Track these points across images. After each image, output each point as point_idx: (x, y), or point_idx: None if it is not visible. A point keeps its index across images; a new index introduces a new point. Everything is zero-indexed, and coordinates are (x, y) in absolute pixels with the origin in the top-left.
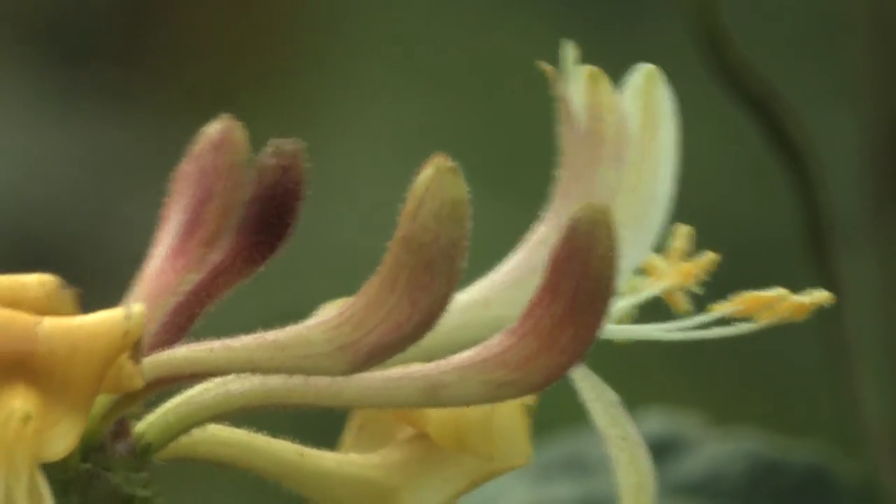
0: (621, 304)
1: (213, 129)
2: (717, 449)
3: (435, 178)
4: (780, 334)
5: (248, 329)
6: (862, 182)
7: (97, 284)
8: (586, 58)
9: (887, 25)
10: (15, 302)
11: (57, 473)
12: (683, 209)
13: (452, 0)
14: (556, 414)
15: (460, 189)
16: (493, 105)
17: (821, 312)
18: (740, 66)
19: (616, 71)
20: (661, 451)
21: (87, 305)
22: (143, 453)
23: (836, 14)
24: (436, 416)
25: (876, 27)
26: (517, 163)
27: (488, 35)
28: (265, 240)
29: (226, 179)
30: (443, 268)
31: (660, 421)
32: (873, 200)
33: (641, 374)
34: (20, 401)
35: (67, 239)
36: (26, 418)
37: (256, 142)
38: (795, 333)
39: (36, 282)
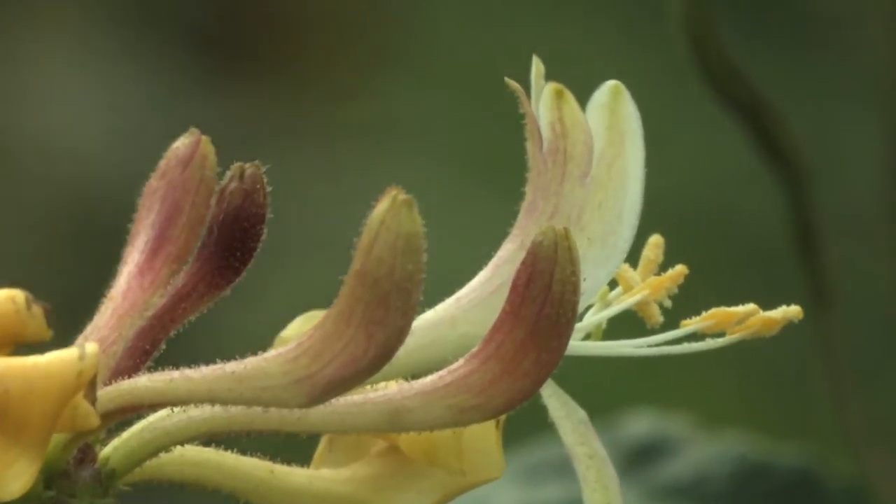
0: (593, 319)
1: (182, 143)
2: (704, 451)
3: (390, 211)
4: (770, 337)
5: (269, 328)
6: (880, 180)
7: None
8: (585, 64)
9: None
10: None
11: (20, 502)
12: (676, 212)
13: (477, 6)
14: (545, 416)
15: (415, 222)
16: (506, 107)
17: (810, 314)
18: (729, 73)
19: (605, 76)
20: (649, 452)
21: None
22: (107, 479)
23: (858, 11)
24: None
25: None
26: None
27: (500, 34)
28: (228, 265)
29: (194, 195)
30: (398, 301)
31: (648, 423)
32: (891, 199)
33: (629, 377)
34: None
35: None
36: None
37: (260, 147)
38: (784, 336)
39: (4, 297)
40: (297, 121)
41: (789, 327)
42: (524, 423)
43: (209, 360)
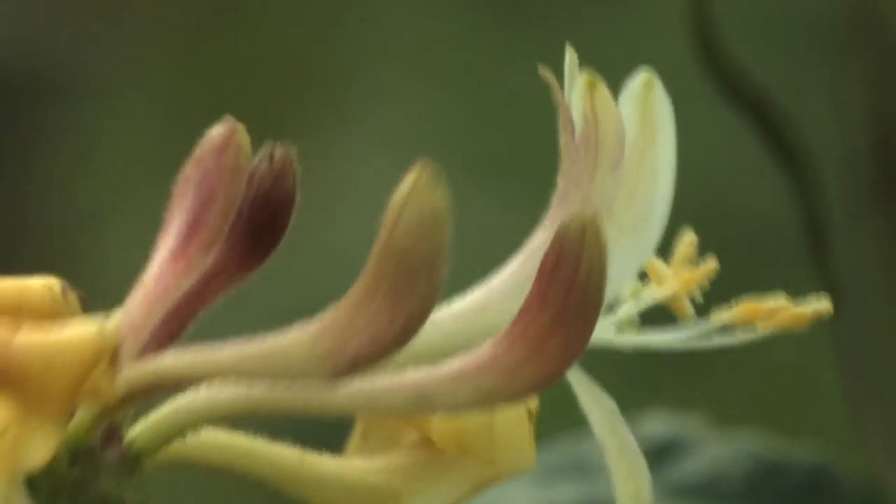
0: (624, 311)
1: (217, 132)
2: (719, 450)
3: (416, 185)
4: (782, 335)
5: (253, 329)
6: (844, 186)
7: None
8: (581, 57)
9: (873, 29)
10: (17, 306)
11: (44, 480)
12: (682, 207)
13: (461, 3)
14: (560, 416)
15: (442, 197)
16: (502, 105)
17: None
18: (734, 68)
19: (609, 71)
20: (663, 452)
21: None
22: (133, 459)
23: (823, 18)
24: (438, 421)
25: (862, 31)
26: (525, 164)
27: (497, 34)
28: (257, 246)
29: (229, 183)
30: (424, 276)
31: (661, 422)
32: (855, 205)
33: (643, 376)
34: None
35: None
36: (2, 430)
37: (263, 138)
38: (797, 334)
39: (41, 286)
40: (275, 113)
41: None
42: (541, 423)
43: None
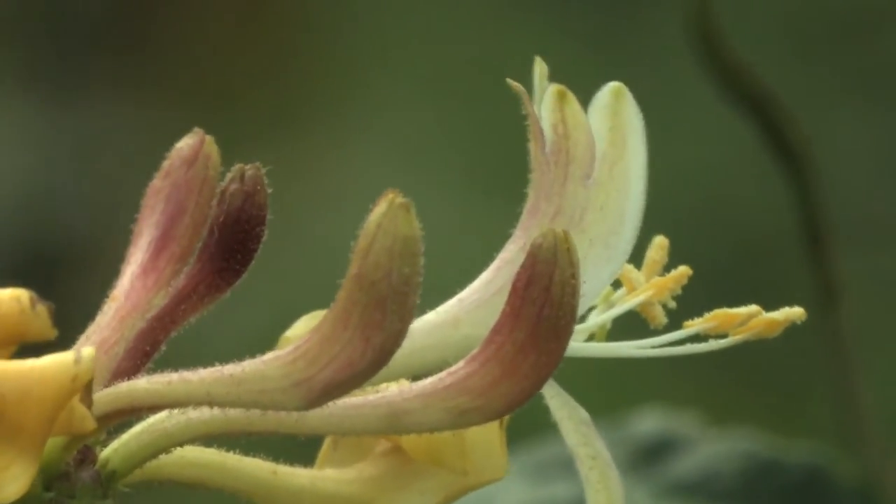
0: (597, 320)
1: (185, 143)
2: (713, 448)
3: (387, 214)
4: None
5: (258, 340)
6: (874, 181)
7: (95, 272)
8: (586, 62)
9: None
10: None
11: None
12: (680, 209)
13: (461, 7)
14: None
15: (412, 225)
16: (503, 112)
17: (819, 311)
18: (735, 67)
19: (615, 75)
20: (658, 450)
21: (81, 291)
22: (107, 480)
23: (852, 12)
24: None
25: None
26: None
27: (497, 41)
28: (229, 266)
29: (198, 195)
30: (395, 305)
31: (657, 420)
32: (886, 199)
33: (638, 374)
34: None
35: (65, 228)
36: None
37: (263, 149)
38: (793, 333)
39: (9, 297)
40: (280, 119)
41: (799, 323)
42: (531, 420)
43: (195, 362)
